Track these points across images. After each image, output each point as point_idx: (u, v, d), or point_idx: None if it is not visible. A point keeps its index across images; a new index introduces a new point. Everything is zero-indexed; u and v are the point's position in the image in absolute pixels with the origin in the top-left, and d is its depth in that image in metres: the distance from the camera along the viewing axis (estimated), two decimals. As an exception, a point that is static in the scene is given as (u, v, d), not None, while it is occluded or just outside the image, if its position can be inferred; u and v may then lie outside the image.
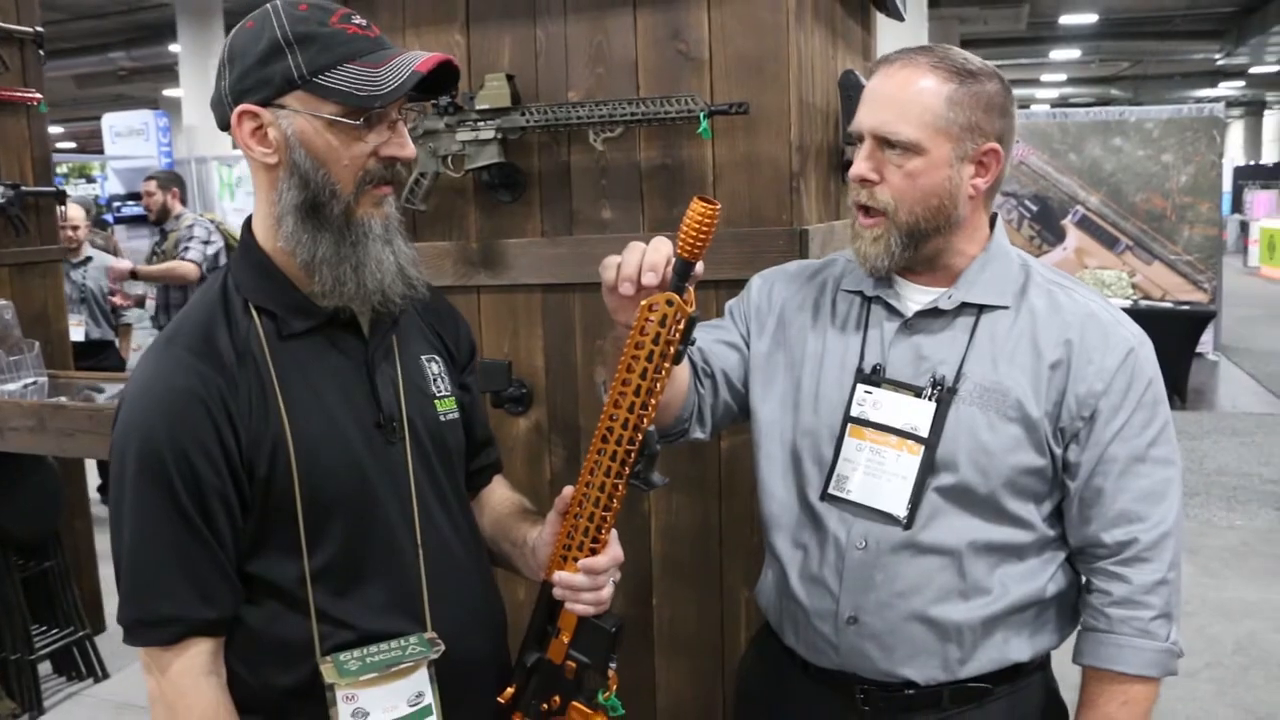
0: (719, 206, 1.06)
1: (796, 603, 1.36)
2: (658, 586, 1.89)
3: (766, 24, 1.69)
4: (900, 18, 2.42)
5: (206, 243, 5.03)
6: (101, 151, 12.51)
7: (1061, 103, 24.43)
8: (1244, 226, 19.14)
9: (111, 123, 12.37)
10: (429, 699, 1.17)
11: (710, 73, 1.74)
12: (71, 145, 21.49)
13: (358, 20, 1.13)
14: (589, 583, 1.21)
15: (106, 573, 4.14)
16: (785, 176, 1.73)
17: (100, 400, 3.12)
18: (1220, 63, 19.69)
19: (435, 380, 1.28)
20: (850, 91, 1.85)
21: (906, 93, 1.25)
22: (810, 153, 1.82)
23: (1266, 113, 28.95)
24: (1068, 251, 8.91)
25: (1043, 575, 1.31)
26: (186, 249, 4.97)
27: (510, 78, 1.79)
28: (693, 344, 1.10)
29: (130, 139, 12.25)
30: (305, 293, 1.17)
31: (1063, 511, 1.32)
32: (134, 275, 4.98)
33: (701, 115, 1.66)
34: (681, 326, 1.09)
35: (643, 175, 1.80)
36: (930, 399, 1.29)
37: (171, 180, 5.26)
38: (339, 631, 1.15)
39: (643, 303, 1.11)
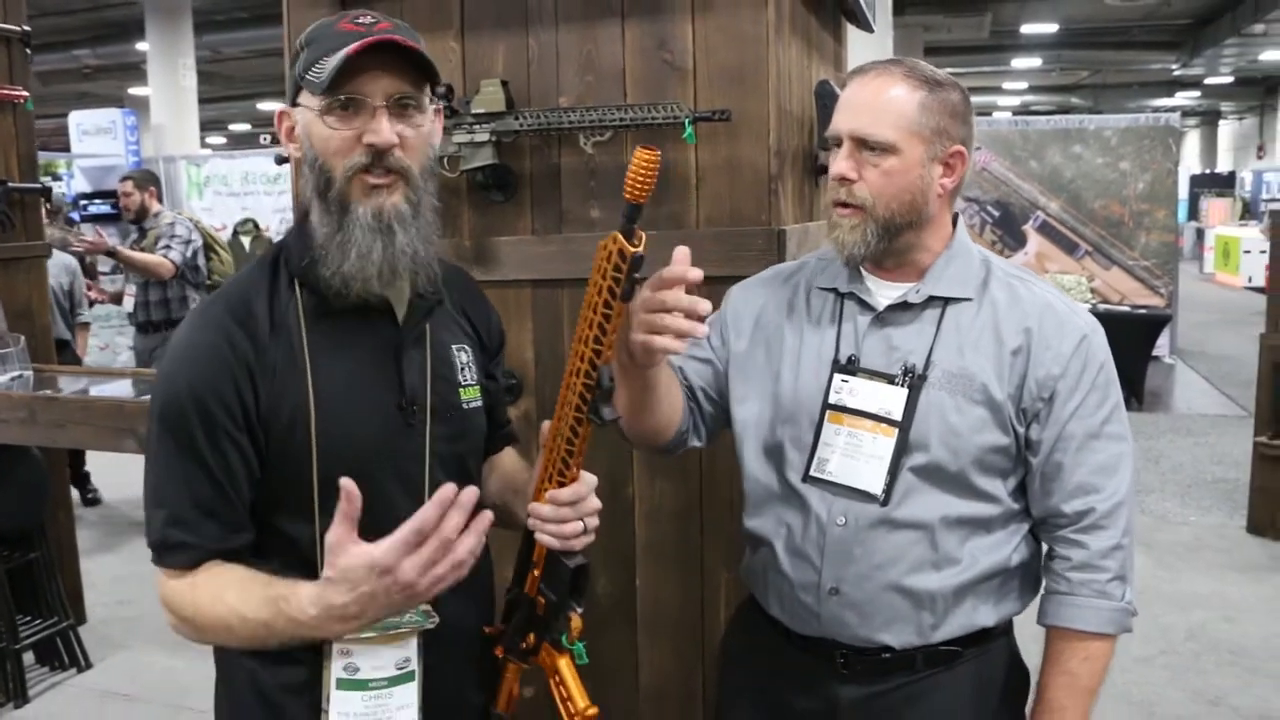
0: (658, 152, 1.11)
1: (782, 575, 1.46)
2: (640, 568, 1.99)
3: (748, 36, 1.80)
4: (870, 29, 2.54)
5: (188, 242, 5.01)
6: (67, 149, 12.37)
7: (1023, 110, 24.82)
8: (1200, 234, 19.56)
9: (79, 120, 12.21)
10: (414, 665, 1.24)
11: (694, 81, 1.85)
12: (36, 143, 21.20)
13: (363, 19, 1.19)
14: (553, 513, 1.24)
15: (87, 565, 4.18)
16: (764, 179, 1.83)
17: (67, 393, 3.17)
18: (1177, 73, 20.10)
19: (462, 369, 1.35)
20: (825, 100, 1.97)
21: (882, 98, 1.37)
22: (788, 157, 1.93)
23: (1221, 122, 29.56)
24: (1028, 256, 9.11)
25: (1008, 546, 1.42)
26: (168, 247, 4.95)
27: (504, 83, 1.89)
28: (639, 282, 1.14)
29: (98, 137, 12.08)
30: (343, 279, 1.22)
31: (1025, 486, 1.43)
32: (112, 254, 4.94)
33: (686, 121, 1.77)
34: (626, 265, 1.12)
35: (630, 177, 1.90)
36: (902, 385, 1.39)
37: (147, 179, 5.24)
38: None
39: (598, 244, 1.15)
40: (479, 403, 1.37)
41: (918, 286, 1.42)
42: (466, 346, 1.37)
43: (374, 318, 1.26)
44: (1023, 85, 23.21)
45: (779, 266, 1.65)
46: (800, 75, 2.03)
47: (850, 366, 1.44)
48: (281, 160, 2.21)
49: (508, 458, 1.53)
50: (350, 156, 1.17)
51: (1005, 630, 1.49)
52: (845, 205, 1.39)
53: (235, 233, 9.16)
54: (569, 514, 1.25)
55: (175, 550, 1.19)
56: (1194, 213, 21.32)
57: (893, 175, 1.36)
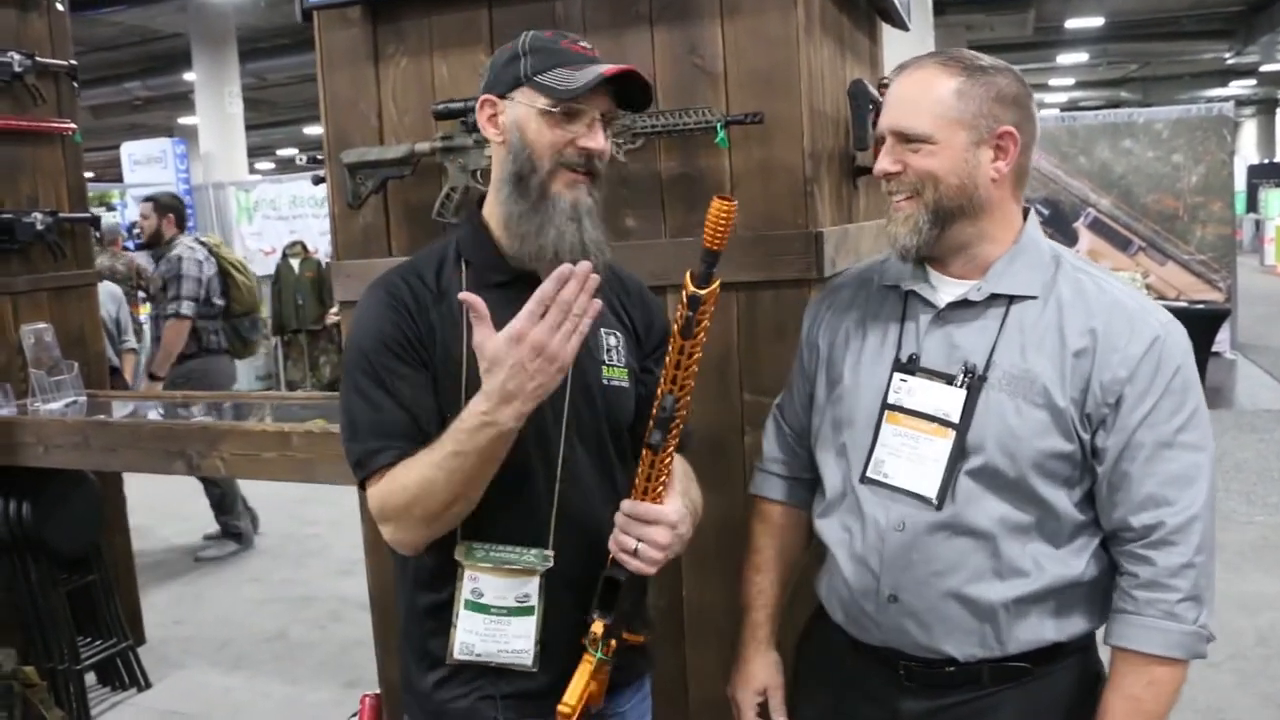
0: (735, 203, 1.22)
1: (844, 581, 1.43)
2: (687, 578, 1.97)
3: (778, 38, 1.78)
4: (905, 28, 2.50)
5: (198, 280, 4.81)
6: (119, 179, 12.68)
7: (1071, 106, 24.42)
8: (1259, 225, 19.09)
9: (130, 151, 12.53)
10: (533, 602, 1.39)
11: (725, 85, 1.83)
12: (90, 175, 21.76)
13: (584, 43, 1.40)
14: (620, 520, 1.34)
15: (144, 587, 4.26)
16: (800, 182, 1.81)
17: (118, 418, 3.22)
18: (1230, 62, 19.65)
19: (609, 350, 1.47)
20: (859, 100, 1.94)
21: (916, 91, 1.35)
22: (823, 159, 1.90)
23: (1279, 110, 28.85)
24: (1080, 254, 8.93)
25: (1078, 559, 1.35)
26: (178, 299, 4.72)
27: (535, 95, 1.88)
28: (696, 322, 1.25)
29: (149, 166, 12.37)
30: (504, 254, 1.41)
31: (1094, 496, 1.36)
32: (153, 377, 4.79)
33: (719, 126, 1.75)
34: (684, 303, 1.25)
35: (663, 184, 1.89)
36: (961, 386, 1.35)
37: (169, 205, 5.03)
38: (479, 525, 1.38)
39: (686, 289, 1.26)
40: (624, 384, 1.47)
41: (979, 284, 1.38)
42: (618, 333, 1.49)
43: (528, 291, 1.35)
44: (1070, 81, 22.87)
45: (858, 265, 1.63)
46: (834, 76, 2.00)
47: (910, 366, 1.40)
48: (318, 180, 2.23)
49: (679, 468, 1.51)
50: (562, 153, 1.36)
51: (1081, 648, 1.42)
52: (896, 200, 1.38)
53: (284, 255, 9.28)
54: (628, 527, 1.34)
55: (368, 457, 1.36)
56: (1252, 204, 20.82)
57: (935, 156, 1.33)
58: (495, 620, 1.40)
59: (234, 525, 5.16)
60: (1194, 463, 1.31)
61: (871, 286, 1.51)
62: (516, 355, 1.23)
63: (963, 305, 1.39)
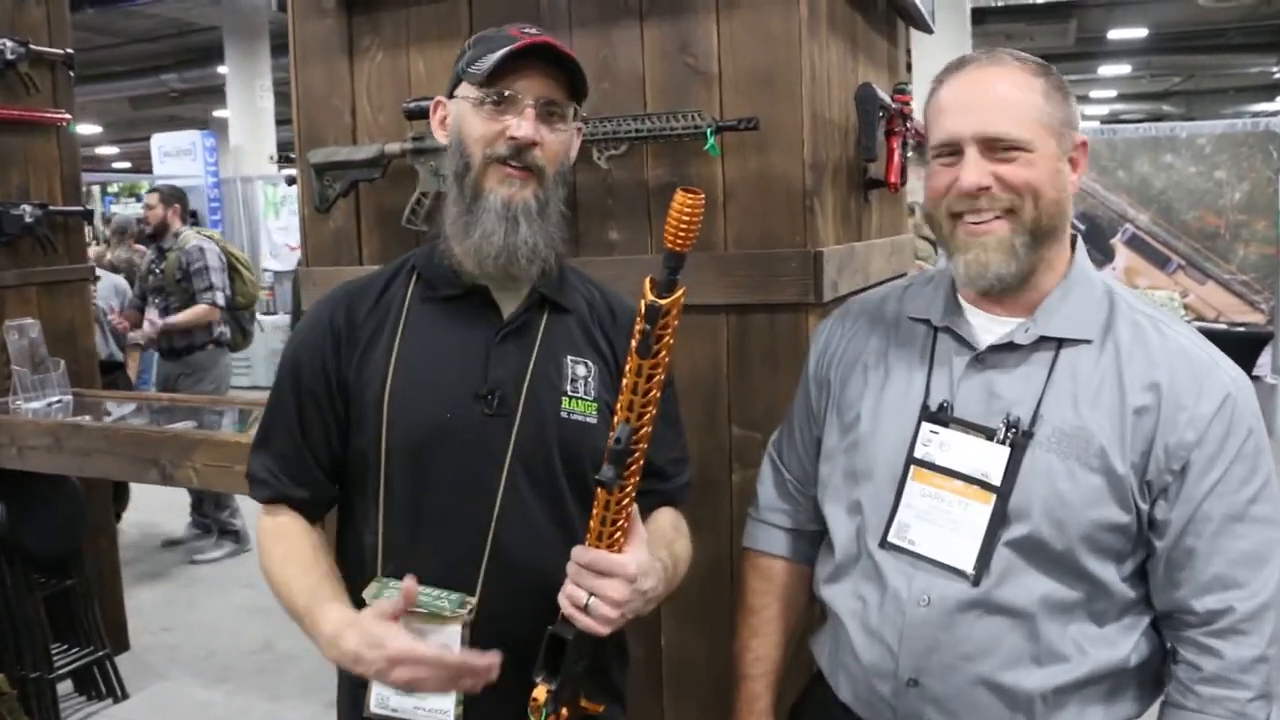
0: (702, 196, 1.05)
1: (854, 657, 1.26)
2: (667, 625, 1.81)
3: (778, 35, 1.62)
4: (929, 30, 2.33)
5: (221, 271, 4.84)
6: (152, 170, 12.72)
7: (1111, 119, 23.99)
8: (1303, 244, 18.63)
9: (160, 143, 12.56)
10: (455, 652, 1.22)
11: (720, 87, 1.67)
12: (127, 165, 21.91)
13: (530, 29, 1.28)
14: (571, 570, 1.17)
15: (132, 590, 4.15)
16: (798, 195, 1.64)
17: (109, 421, 3.10)
18: (1278, 76, 19.22)
19: (574, 380, 1.32)
20: (868, 105, 1.77)
21: (1006, 90, 1.17)
22: (826, 170, 1.73)
23: (1327, 128, 28.21)
24: (1116, 271, 8.66)
25: (1125, 642, 1.19)
26: (210, 288, 4.76)
27: (513, 94, 1.73)
28: (653, 337, 1.08)
29: (178, 159, 12.42)
30: (457, 267, 1.31)
31: (1147, 571, 1.19)
32: (167, 331, 4.79)
33: (709, 131, 1.59)
34: (642, 316, 1.08)
35: (650, 194, 1.73)
36: (1003, 443, 1.17)
37: (174, 196, 5.02)
38: (401, 562, 1.27)
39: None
40: (588, 419, 1.32)
41: (1027, 323, 1.20)
42: (588, 362, 1.34)
43: (479, 310, 1.32)
44: (1111, 93, 22.47)
45: (877, 290, 1.44)
46: (843, 80, 1.83)
47: (942, 415, 1.22)
48: (291, 182, 2.10)
49: (665, 521, 1.38)
50: (492, 146, 1.25)
51: None
52: (981, 220, 1.18)
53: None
54: (584, 578, 1.17)
55: (255, 484, 1.35)
56: (1295, 223, 20.33)
57: (1034, 166, 1.16)
58: None
59: (230, 524, 5.05)
60: (1267, 539, 1.15)
61: (892, 316, 1.33)
62: (372, 656, 1.14)
63: (1006, 348, 1.20)
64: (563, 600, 1.18)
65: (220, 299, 4.82)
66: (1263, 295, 8.52)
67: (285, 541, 1.32)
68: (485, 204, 1.26)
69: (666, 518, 1.38)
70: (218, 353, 4.96)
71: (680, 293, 1.08)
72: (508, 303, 1.32)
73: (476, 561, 1.26)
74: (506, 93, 1.25)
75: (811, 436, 1.39)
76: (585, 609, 1.16)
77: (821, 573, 1.35)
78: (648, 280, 1.07)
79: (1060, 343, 1.19)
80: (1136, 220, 8.71)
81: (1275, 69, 18.33)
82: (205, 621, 4.10)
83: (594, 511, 1.17)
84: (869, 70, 2.04)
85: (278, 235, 11.27)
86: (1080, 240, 1.25)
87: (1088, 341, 1.18)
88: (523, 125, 1.24)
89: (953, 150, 1.19)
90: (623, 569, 1.16)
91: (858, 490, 1.28)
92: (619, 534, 1.17)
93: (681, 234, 1.05)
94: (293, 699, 3.33)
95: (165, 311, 4.85)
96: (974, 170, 1.16)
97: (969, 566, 1.17)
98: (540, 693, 1.19)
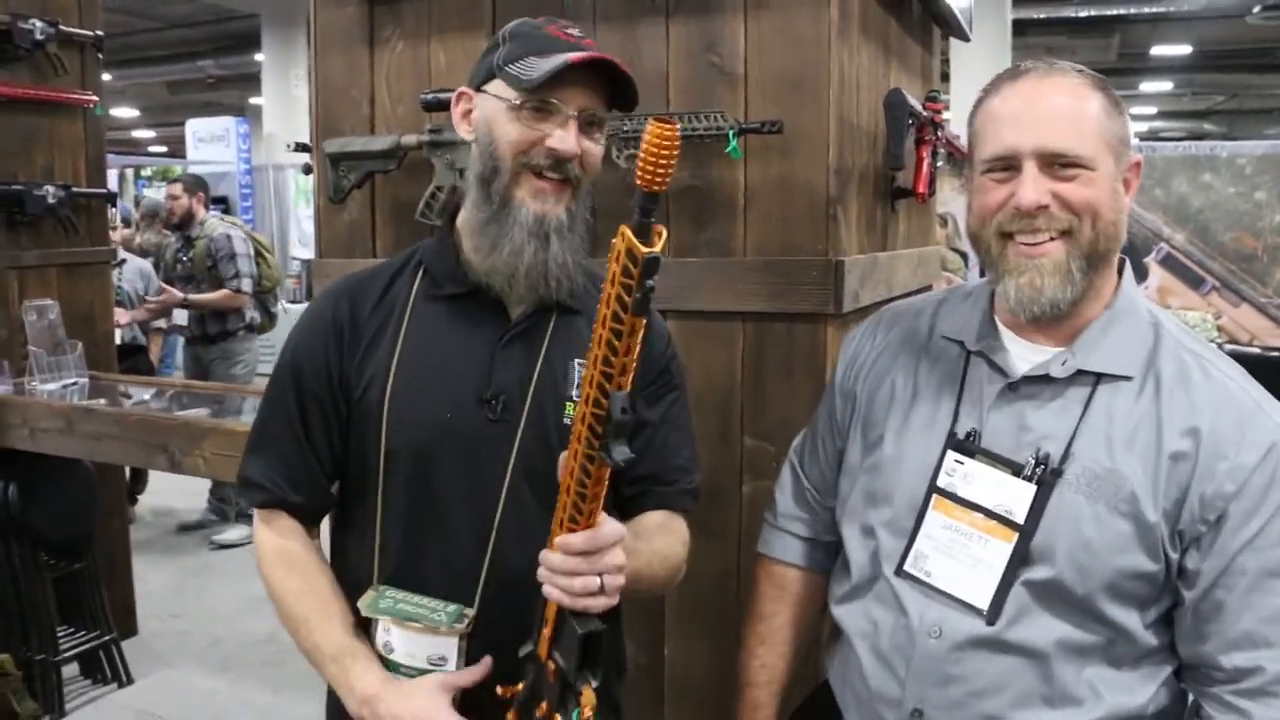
0: (677, 126, 0.92)
1: (862, 680, 1.21)
2: (670, 635, 1.76)
3: (807, 38, 1.57)
4: (965, 38, 2.27)
5: (249, 257, 4.91)
6: (186, 156, 12.81)
7: (1151, 136, 23.69)
8: (1342, 270, 18.33)
9: (195, 128, 12.66)
10: (450, 666, 1.20)
11: (745, 88, 1.62)
12: (164, 149, 22.10)
13: (574, 30, 1.22)
14: (561, 563, 1.07)
15: (146, 574, 4.15)
16: (822, 202, 1.60)
17: (129, 405, 3.09)
18: (1322, 98, 18.93)
19: (578, 385, 1.25)
20: (896, 111, 1.71)
21: (1068, 104, 1.11)
22: (852, 177, 1.68)
23: (1369, 152, 27.73)
24: (1149, 290, 8.53)
25: (1143, 690, 1.13)
26: (237, 275, 4.81)
27: (534, 88, 1.69)
28: (651, 291, 0.92)
29: (212, 144, 12.51)
30: (465, 265, 1.26)
31: (1173, 619, 1.13)
32: (185, 305, 4.83)
33: (731, 133, 1.54)
34: (637, 269, 0.92)
35: (669, 196, 1.69)
36: (1030, 479, 1.12)
37: (197, 184, 5.07)
38: (399, 570, 1.24)
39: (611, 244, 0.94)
40: None
41: (1065, 355, 1.14)
42: None
43: (486, 310, 1.27)
44: (1151, 110, 22.17)
45: (910, 301, 1.36)
46: (873, 85, 1.78)
47: (969, 445, 1.17)
48: (308, 170, 2.07)
49: (651, 520, 1.31)
50: (528, 154, 1.19)
51: None
52: (1036, 241, 1.11)
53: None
54: (582, 566, 1.06)
55: (249, 488, 1.30)
56: (1335, 247, 20.00)
57: (1094, 186, 1.10)
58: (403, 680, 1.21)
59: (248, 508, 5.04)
60: None
61: (925, 331, 1.27)
62: None
63: (1042, 379, 1.15)
64: (567, 599, 1.07)
65: (248, 285, 4.86)
66: (1299, 320, 8.37)
67: (298, 573, 1.26)
68: (515, 217, 1.20)
69: (655, 517, 1.31)
70: (249, 337, 5.01)
71: (664, 239, 0.94)
72: (515, 303, 1.27)
73: (475, 572, 1.21)
74: (553, 101, 1.18)
75: (834, 447, 1.34)
76: (601, 590, 1.07)
77: (836, 590, 1.30)
78: (624, 230, 0.92)
79: (1099, 377, 1.13)
80: (1172, 239, 8.55)
81: (1320, 91, 18.03)
82: (214, 609, 4.09)
83: (588, 489, 1.05)
84: (901, 76, 1.98)
85: (307, 224, 11.30)
86: (1128, 266, 1.19)
87: (1128, 378, 1.12)
88: (567, 139, 1.18)
89: (1007, 165, 1.12)
90: (617, 534, 1.09)
91: (876, 513, 1.23)
92: (594, 512, 1.07)
93: (660, 171, 0.92)
94: (294, 692, 3.30)
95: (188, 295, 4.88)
96: (1033, 188, 1.10)
97: (984, 604, 1.13)
98: (590, 696, 1.09)
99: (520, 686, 1.18)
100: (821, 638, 1.42)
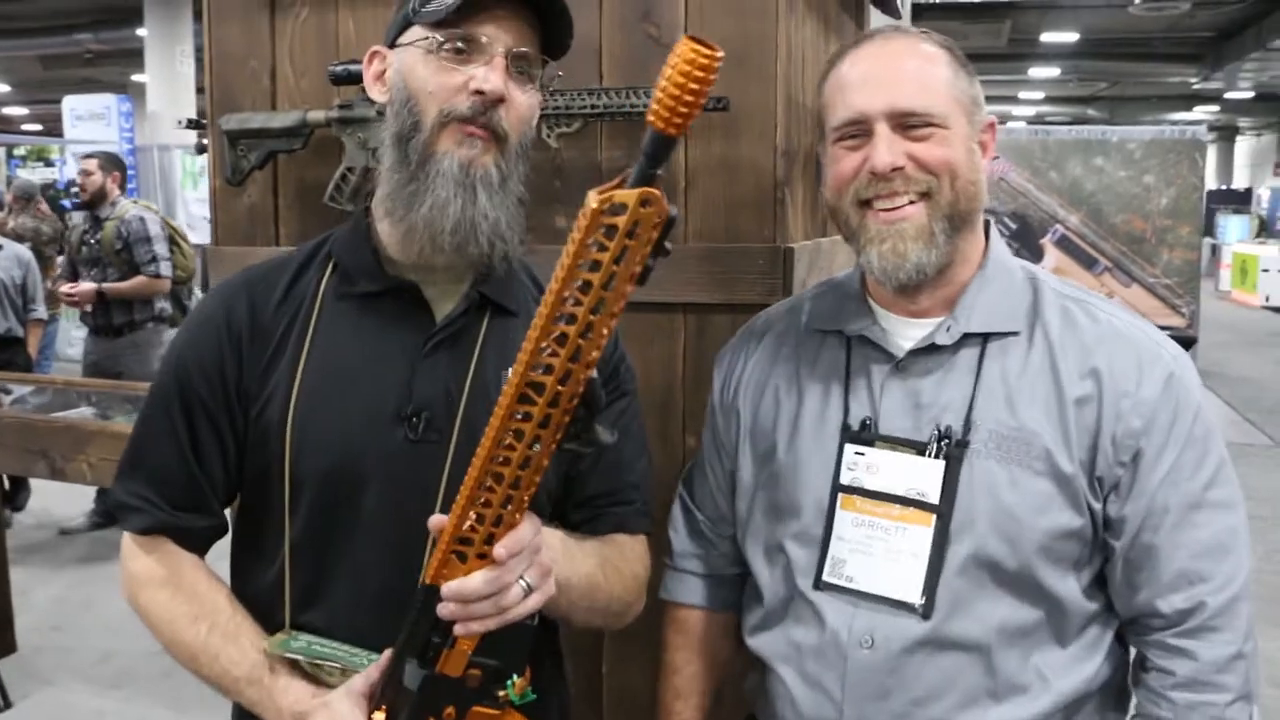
0: (720, 55, 0.72)
1: (793, 709, 1.14)
2: (609, 653, 1.66)
3: (753, 6, 1.47)
4: (898, 15, 2.21)
5: (164, 241, 4.67)
6: (63, 134, 12.15)
7: (1038, 120, 24.49)
8: (1215, 250, 19.23)
9: (73, 105, 12.04)
10: None
11: (685, 62, 1.51)
12: (38, 127, 20.97)
13: None
14: (487, 587, 0.90)
15: (26, 584, 3.87)
16: (769, 186, 1.50)
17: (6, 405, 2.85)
18: (1196, 87, 19.78)
19: None
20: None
21: (916, 64, 1.09)
22: (798, 159, 1.59)
23: (1239, 138, 29.21)
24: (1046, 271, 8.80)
25: (1090, 661, 1.10)
26: (154, 260, 4.57)
27: (454, 60, 1.55)
28: (666, 255, 0.80)
29: (91, 123, 11.94)
30: (382, 257, 1.12)
31: (1105, 577, 1.11)
32: (101, 296, 4.56)
33: (673, 111, 1.43)
34: (655, 234, 0.78)
35: (604, 177, 1.56)
36: (936, 456, 1.08)
37: (113, 163, 4.82)
38: (311, 611, 1.10)
39: (591, 203, 0.78)
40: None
41: (948, 321, 1.10)
42: None
43: (408, 310, 1.12)
44: (1039, 95, 22.92)
45: (782, 301, 1.32)
46: (815, 61, 1.69)
47: (865, 434, 1.12)
48: (201, 150, 1.89)
49: (614, 543, 1.17)
50: (450, 101, 1.05)
51: None
52: (895, 205, 1.07)
53: (224, 225, 8.84)
54: (510, 578, 0.92)
55: (128, 512, 1.13)
56: (1209, 229, 21.00)
57: (950, 145, 1.08)
58: None
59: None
60: (1228, 526, 1.08)
61: (800, 330, 1.21)
62: None
63: (928, 351, 1.11)
64: (491, 624, 0.93)
65: (166, 269, 4.61)
66: (1184, 300, 8.71)
67: (188, 594, 1.11)
68: (438, 167, 1.05)
69: (627, 548, 1.19)
70: (158, 329, 4.72)
71: (664, 203, 0.78)
72: (441, 302, 1.13)
73: (401, 615, 1.05)
74: (481, 37, 1.04)
75: (724, 470, 1.26)
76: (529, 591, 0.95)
77: (749, 620, 1.23)
78: (641, 192, 0.75)
79: (985, 338, 1.11)
80: (1067, 221, 8.81)
81: (1194, 80, 18.85)
82: (103, 620, 3.82)
83: (535, 482, 0.90)
84: (839, 54, 1.90)
85: (195, 207, 10.84)
86: (993, 225, 1.17)
87: (1015, 334, 1.11)
88: (491, 77, 1.03)
89: (859, 131, 1.09)
90: (534, 529, 0.94)
91: (782, 527, 1.16)
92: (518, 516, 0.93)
93: (684, 108, 0.73)
94: (197, 708, 3.10)
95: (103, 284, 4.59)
96: (886, 149, 1.07)
97: (916, 598, 1.08)
98: (523, 683, 0.98)
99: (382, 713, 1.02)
100: (740, 673, 1.33)
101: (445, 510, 1.02)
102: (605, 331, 0.82)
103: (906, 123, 1.07)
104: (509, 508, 0.90)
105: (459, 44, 1.04)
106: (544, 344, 0.83)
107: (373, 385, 1.10)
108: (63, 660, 3.52)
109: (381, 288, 1.12)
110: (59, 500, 5.08)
